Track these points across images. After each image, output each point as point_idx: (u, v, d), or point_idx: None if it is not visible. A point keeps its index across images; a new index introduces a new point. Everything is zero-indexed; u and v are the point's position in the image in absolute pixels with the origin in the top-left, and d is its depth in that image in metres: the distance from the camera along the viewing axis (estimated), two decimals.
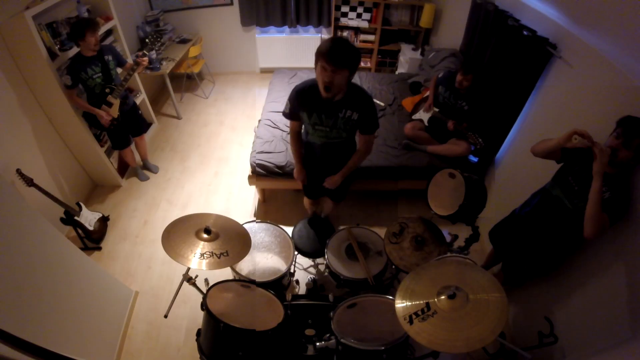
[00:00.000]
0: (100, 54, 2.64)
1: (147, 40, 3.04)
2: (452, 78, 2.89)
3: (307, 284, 2.44)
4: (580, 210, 1.59)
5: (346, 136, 1.96)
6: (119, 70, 2.92)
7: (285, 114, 2.02)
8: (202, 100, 4.72)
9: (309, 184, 2.37)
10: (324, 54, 1.58)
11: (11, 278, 1.53)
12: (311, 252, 2.25)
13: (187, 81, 4.82)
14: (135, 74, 3.60)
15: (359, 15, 4.73)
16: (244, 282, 1.83)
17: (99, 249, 2.86)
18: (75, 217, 2.63)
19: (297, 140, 2.14)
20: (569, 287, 1.88)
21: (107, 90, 2.72)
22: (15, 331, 1.12)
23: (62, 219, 2.59)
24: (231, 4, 4.58)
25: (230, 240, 1.72)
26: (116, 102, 2.78)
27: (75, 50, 2.74)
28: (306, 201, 2.70)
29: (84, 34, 2.45)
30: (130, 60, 3.33)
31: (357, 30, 4.82)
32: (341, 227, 2.31)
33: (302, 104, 1.88)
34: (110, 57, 2.72)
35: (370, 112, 1.86)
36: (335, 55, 1.56)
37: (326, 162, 2.16)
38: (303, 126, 2.07)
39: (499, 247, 2.25)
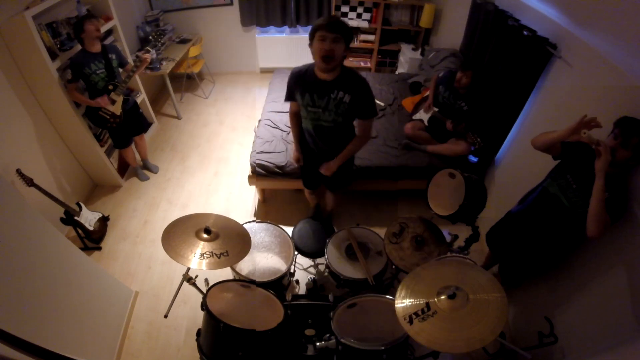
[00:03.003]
0: (104, 51, 2.66)
1: (150, 37, 3.04)
2: (452, 78, 2.89)
3: (307, 284, 2.44)
4: (578, 208, 1.59)
5: (341, 121, 1.95)
6: (120, 70, 2.92)
7: (286, 97, 2.06)
8: (202, 100, 4.72)
9: (305, 171, 2.43)
10: (322, 25, 1.65)
11: (11, 278, 1.53)
12: (311, 252, 2.25)
13: (187, 81, 4.81)
14: (136, 74, 3.61)
15: (359, 15, 4.73)
16: (244, 282, 1.83)
17: (99, 249, 2.86)
18: (75, 217, 2.63)
19: (295, 120, 2.20)
20: (569, 287, 1.88)
21: (110, 87, 2.72)
22: (15, 331, 1.12)
23: (62, 219, 2.59)
24: (231, 4, 4.58)
25: (230, 240, 1.72)
26: (119, 99, 2.78)
27: (77, 48, 2.74)
28: (307, 192, 2.73)
29: (83, 25, 2.50)
30: (131, 61, 3.33)
31: (357, 30, 4.82)
32: (341, 228, 2.31)
33: (297, 84, 1.93)
34: (113, 56, 2.74)
35: (363, 95, 1.85)
36: (333, 24, 1.64)
37: (319, 147, 2.15)
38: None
39: (496, 249, 2.25)
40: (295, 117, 2.18)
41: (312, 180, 2.53)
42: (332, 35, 1.64)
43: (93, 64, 2.61)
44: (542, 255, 1.93)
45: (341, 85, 1.83)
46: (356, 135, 2.05)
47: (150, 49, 2.94)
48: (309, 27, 5.02)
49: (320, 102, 1.89)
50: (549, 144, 1.73)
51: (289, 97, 2.04)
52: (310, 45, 1.75)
